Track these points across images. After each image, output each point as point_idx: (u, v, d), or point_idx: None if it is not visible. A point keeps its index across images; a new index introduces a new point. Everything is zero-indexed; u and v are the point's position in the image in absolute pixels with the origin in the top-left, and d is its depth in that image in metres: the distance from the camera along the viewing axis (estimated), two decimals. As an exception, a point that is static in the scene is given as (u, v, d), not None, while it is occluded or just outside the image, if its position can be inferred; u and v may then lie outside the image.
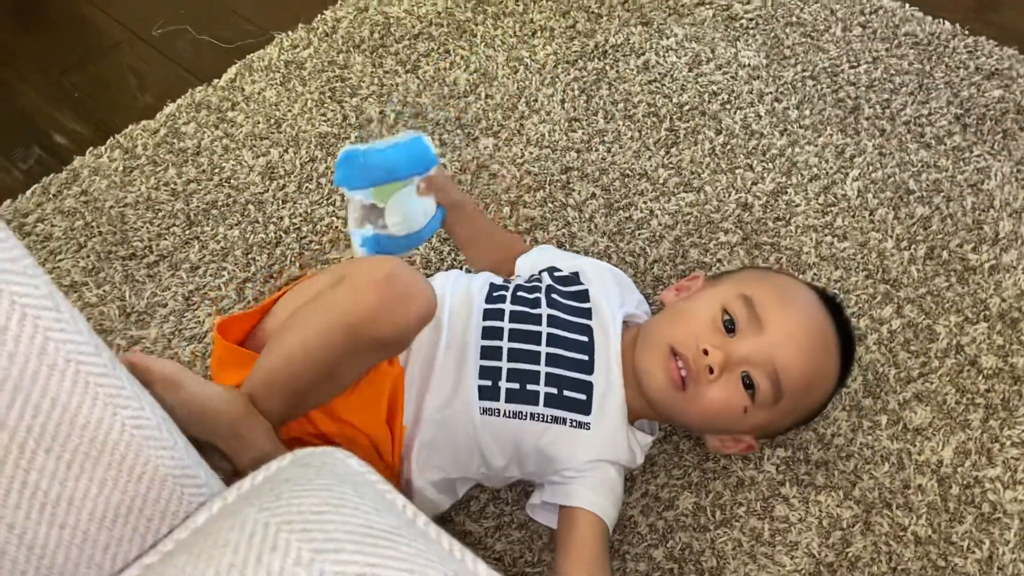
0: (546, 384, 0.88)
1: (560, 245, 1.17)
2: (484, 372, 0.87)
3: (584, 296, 0.95)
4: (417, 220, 0.96)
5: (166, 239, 1.21)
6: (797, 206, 1.20)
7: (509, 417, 0.86)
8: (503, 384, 0.87)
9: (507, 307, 0.92)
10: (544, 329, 0.90)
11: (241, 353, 0.85)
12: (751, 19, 1.45)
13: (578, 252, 1.15)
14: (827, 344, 0.90)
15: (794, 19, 1.44)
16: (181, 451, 0.52)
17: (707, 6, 1.47)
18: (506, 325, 0.90)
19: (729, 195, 1.22)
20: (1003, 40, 1.38)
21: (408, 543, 0.39)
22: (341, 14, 1.50)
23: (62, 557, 0.48)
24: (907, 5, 1.45)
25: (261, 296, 1.14)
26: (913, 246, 1.15)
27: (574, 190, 1.23)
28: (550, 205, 1.22)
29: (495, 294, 0.93)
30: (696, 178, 1.24)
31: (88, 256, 1.20)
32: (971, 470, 0.97)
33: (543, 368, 0.88)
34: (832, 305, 0.92)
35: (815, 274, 1.12)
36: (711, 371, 0.86)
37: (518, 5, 1.49)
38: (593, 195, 1.23)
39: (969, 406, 1.01)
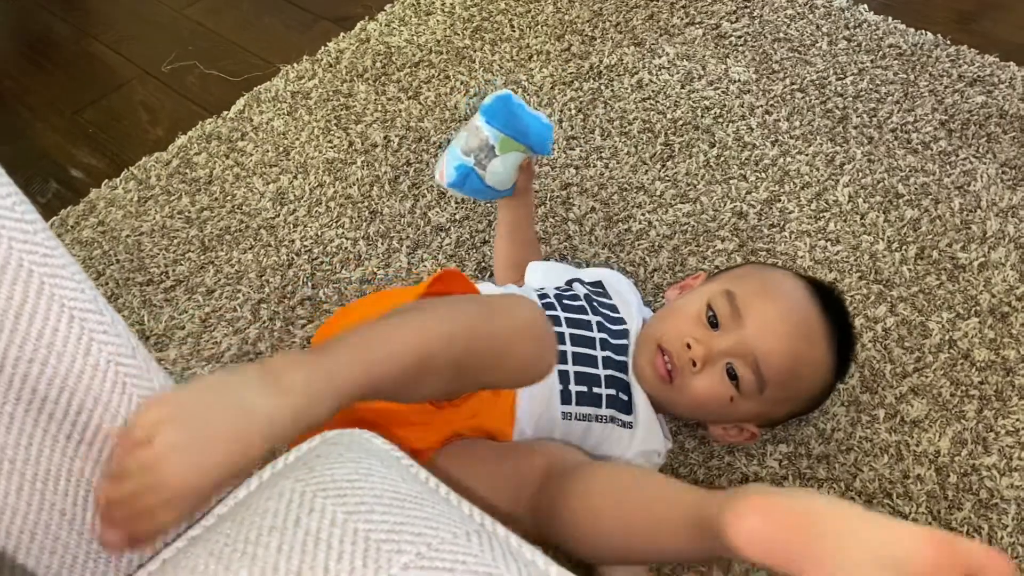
0: (606, 387, 0.92)
1: (562, 257, 1.22)
2: (558, 376, 0.90)
3: (614, 303, 1.01)
4: (506, 183, 1.06)
5: (182, 264, 1.25)
6: (790, 213, 1.24)
7: (580, 420, 0.91)
8: (572, 388, 0.90)
9: (561, 314, 0.95)
10: (596, 335, 0.95)
11: None
12: (739, 37, 1.50)
13: (580, 264, 1.19)
14: (810, 332, 0.92)
15: (781, 35, 1.49)
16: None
17: (697, 26, 1.52)
18: (566, 331, 0.93)
19: (724, 204, 1.26)
20: (984, 48, 1.43)
21: (432, 506, 0.43)
22: (344, 45, 1.55)
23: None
24: (890, 18, 1.50)
25: (276, 316, 1.18)
26: (904, 247, 1.19)
27: (574, 205, 1.28)
28: (551, 220, 1.26)
29: (544, 302, 0.97)
30: (692, 189, 1.28)
31: (107, 283, 1.24)
32: (968, 459, 1.00)
33: (602, 371, 0.93)
34: (826, 297, 0.95)
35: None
36: (694, 364, 0.91)
37: (514, 31, 1.55)
38: (593, 209, 1.27)
39: (964, 398, 1.04)
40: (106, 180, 1.38)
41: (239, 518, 0.43)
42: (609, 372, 0.93)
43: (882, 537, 0.50)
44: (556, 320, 0.94)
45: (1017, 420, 1.02)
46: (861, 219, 1.22)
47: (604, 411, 0.92)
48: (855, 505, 0.54)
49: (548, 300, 0.97)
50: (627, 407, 0.94)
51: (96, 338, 0.51)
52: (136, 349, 0.54)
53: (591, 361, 0.93)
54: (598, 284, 1.04)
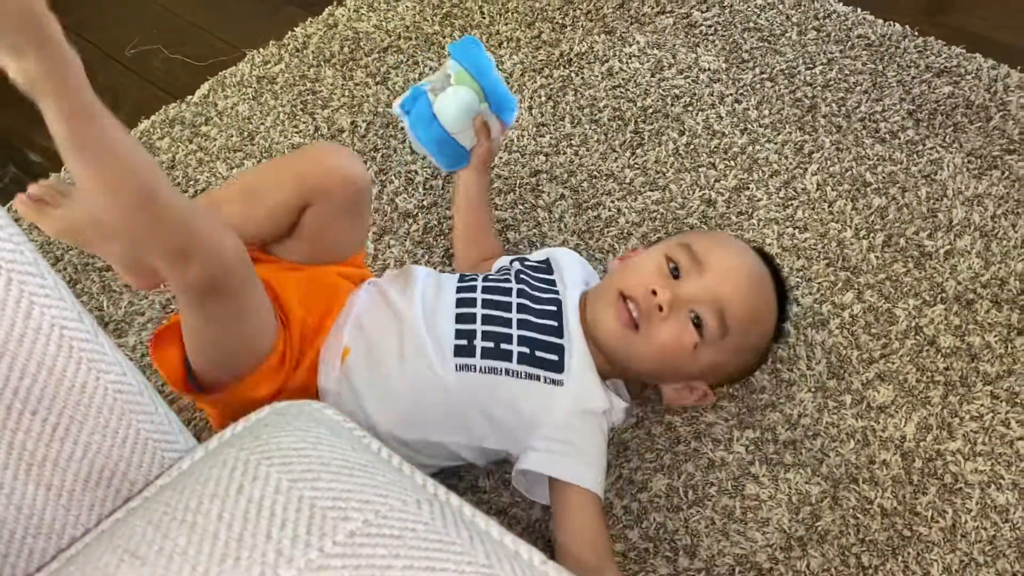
0: (519, 344, 0.91)
1: (531, 244, 1.21)
2: (459, 334, 0.91)
3: (550, 271, 1.01)
4: (449, 119, 1.05)
5: (143, 250, 1.23)
6: (759, 200, 1.24)
7: (484, 372, 0.89)
8: (478, 343, 0.90)
9: (479, 284, 0.96)
10: (514, 300, 0.94)
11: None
12: (710, 26, 1.49)
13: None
14: (764, 282, 0.97)
15: (751, 25, 1.49)
16: (161, 416, 0.54)
17: (667, 15, 1.52)
18: (479, 296, 0.94)
19: (693, 192, 1.25)
20: (951, 40, 1.44)
21: (383, 475, 0.41)
22: (311, 30, 1.53)
23: (49, 516, 0.49)
24: (859, 9, 1.51)
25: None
26: (871, 235, 1.19)
27: (544, 192, 1.27)
28: (520, 207, 1.25)
29: (465, 281, 0.97)
30: (661, 177, 1.27)
31: (65, 268, 1.22)
32: (933, 444, 1.00)
33: (515, 331, 0.92)
34: (765, 256, 1.01)
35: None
36: (660, 309, 0.91)
37: (484, 17, 1.53)
38: (562, 196, 1.26)
39: (929, 384, 1.05)
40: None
41: (181, 487, 0.41)
42: (524, 332, 0.92)
43: None
44: (471, 289, 0.95)
45: (981, 406, 1.02)
46: (829, 207, 1.22)
47: (516, 366, 0.90)
48: None
49: (471, 283, 0.97)
50: (556, 366, 0.91)
51: (37, 301, 0.49)
52: (82, 314, 0.53)
53: (504, 322, 0.92)
54: (544, 261, 1.04)
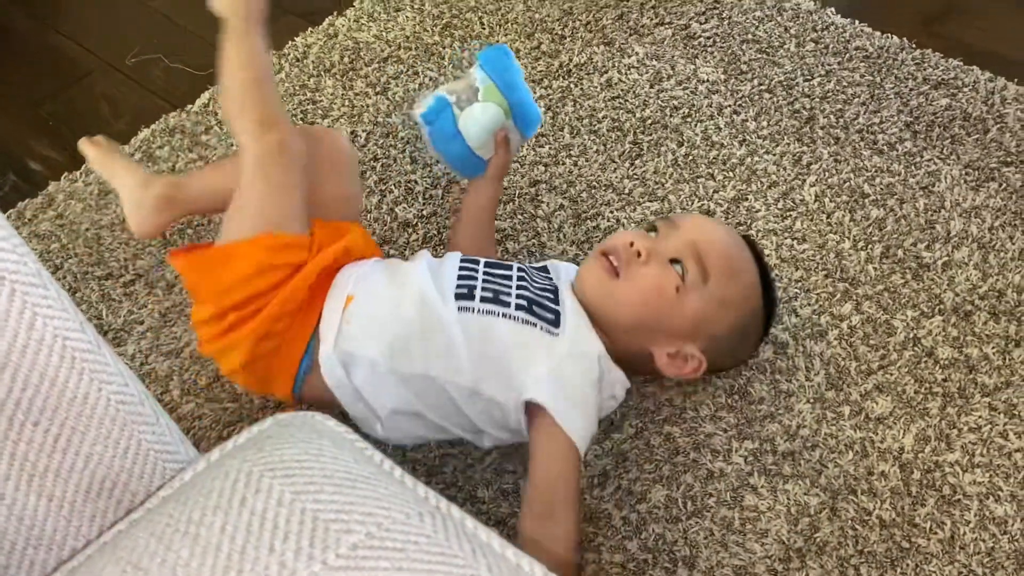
0: (517, 299, 0.94)
1: (530, 254, 1.21)
2: (460, 286, 0.94)
3: (547, 271, 1.04)
4: (472, 135, 1.06)
5: (142, 259, 1.23)
6: (757, 212, 1.24)
7: (482, 314, 0.92)
8: (478, 293, 0.94)
9: (481, 261, 1.00)
10: (515, 274, 0.98)
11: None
12: (708, 37, 1.50)
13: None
14: (740, 242, 1.02)
15: (750, 36, 1.50)
16: (163, 427, 0.54)
17: (666, 26, 1.52)
18: (481, 268, 0.98)
19: (692, 203, 1.26)
20: (948, 52, 1.45)
21: (385, 487, 0.41)
22: (311, 40, 1.54)
23: (50, 527, 0.49)
24: (857, 21, 1.51)
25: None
26: (869, 246, 1.19)
27: (543, 202, 1.27)
28: (520, 216, 1.25)
29: (468, 259, 1.00)
30: (660, 188, 1.28)
31: (64, 277, 1.22)
32: (931, 455, 1.00)
33: (514, 291, 0.95)
34: (744, 237, 1.05)
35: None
36: (639, 255, 0.96)
37: (484, 28, 1.54)
38: (561, 206, 1.26)
39: (927, 395, 1.05)
40: (66, 173, 1.35)
41: (183, 499, 0.41)
42: (523, 293, 0.95)
43: None
44: (474, 266, 0.98)
45: (979, 417, 1.03)
46: (827, 218, 1.23)
47: (514, 312, 0.92)
48: None
49: (474, 259, 1.00)
50: (552, 322, 0.94)
51: (40, 312, 0.49)
52: (84, 325, 0.53)
53: (503, 285, 0.95)
54: (543, 267, 1.06)
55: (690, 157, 1.32)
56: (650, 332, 0.97)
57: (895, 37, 1.48)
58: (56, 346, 0.49)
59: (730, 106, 1.39)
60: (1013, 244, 1.19)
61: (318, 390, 0.94)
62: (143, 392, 0.54)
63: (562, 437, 0.88)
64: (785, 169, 1.29)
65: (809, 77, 1.42)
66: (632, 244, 0.96)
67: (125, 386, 0.52)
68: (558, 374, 0.90)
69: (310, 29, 1.56)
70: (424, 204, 1.27)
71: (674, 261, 0.95)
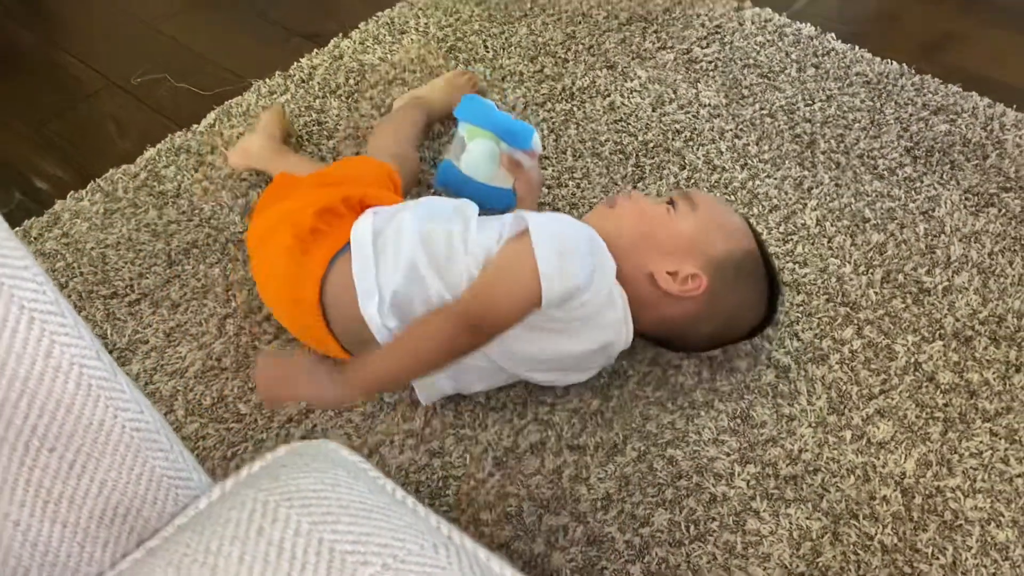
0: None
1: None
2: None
3: None
4: (481, 172, 1.16)
5: (147, 278, 1.24)
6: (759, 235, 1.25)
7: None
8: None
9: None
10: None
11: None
12: (710, 62, 1.52)
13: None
14: (737, 214, 1.09)
15: (751, 61, 1.51)
16: (177, 454, 0.54)
17: (668, 50, 1.54)
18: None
19: (694, 226, 1.26)
20: (947, 78, 1.46)
21: (399, 517, 0.42)
22: (317, 62, 1.55)
23: (64, 554, 0.50)
24: (857, 47, 1.53)
25: (242, 331, 1.16)
26: (870, 270, 1.20)
27: (545, 224, 1.28)
28: (523, 239, 1.26)
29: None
30: (662, 211, 1.29)
31: (70, 296, 1.22)
32: (933, 480, 1.00)
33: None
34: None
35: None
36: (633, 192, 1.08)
37: (488, 51, 1.55)
38: (564, 229, 1.27)
39: (929, 420, 1.05)
40: (72, 192, 1.36)
41: (200, 528, 0.42)
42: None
43: None
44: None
45: (980, 443, 1.03)
46: (828, 242, 1.24)
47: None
48: None
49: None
50: None
51: (58, 340, 0.50)
52: (101, 352, 0.53)
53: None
54: None
55: (692, 180, 1.33)
56: (647, 251, 1.02)
57: (895, 63, 1.50)
58: (73, 373, 0.50)
59: (732, 130, 1.40)
60: (1013, 269, 1.20)
61: (339, 287, 1.00)
62: (159, 420, 0.54)
63: (529, 260, 0.91)
64: (786, 193, 1.30)
65: (810, 102, 1.44)
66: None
67: (140, 413, 0.53)
68: (554, 216, 1.01)
69: (316, 51, 1.57)
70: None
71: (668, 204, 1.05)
